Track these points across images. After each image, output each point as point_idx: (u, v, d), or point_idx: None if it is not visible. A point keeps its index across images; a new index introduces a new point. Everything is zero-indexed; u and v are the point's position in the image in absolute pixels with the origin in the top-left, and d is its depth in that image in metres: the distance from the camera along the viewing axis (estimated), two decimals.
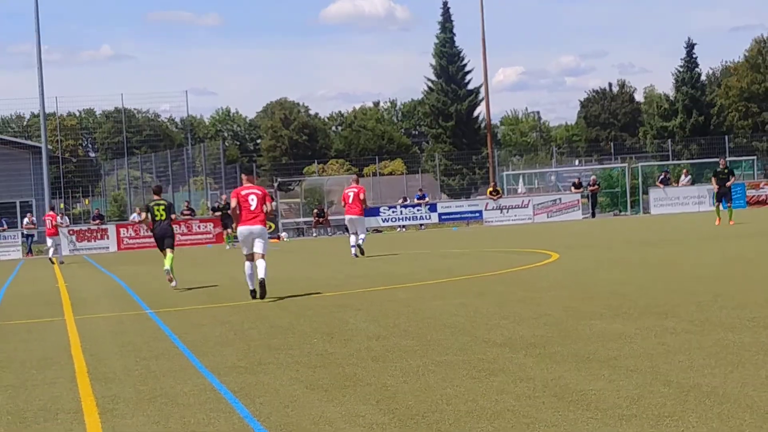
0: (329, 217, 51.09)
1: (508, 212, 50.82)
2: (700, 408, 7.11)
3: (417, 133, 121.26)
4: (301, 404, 8.09)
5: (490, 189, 54.45)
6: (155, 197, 21.41)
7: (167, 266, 20.55)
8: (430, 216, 51.20)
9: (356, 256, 27.81)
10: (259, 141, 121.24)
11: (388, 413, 7.60)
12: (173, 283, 20.41)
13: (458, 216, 51.80)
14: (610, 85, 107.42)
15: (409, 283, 18.58)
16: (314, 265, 26.50)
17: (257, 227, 17.48)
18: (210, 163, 61.78)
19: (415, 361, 9.72)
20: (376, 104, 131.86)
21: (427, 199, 52.75)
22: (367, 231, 48.34)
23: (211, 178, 60.62)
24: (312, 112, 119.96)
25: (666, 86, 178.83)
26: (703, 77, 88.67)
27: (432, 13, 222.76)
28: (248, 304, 16.25)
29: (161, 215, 20.98)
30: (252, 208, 17.57)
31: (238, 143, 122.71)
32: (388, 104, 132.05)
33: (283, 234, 48.78)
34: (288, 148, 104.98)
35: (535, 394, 7.94)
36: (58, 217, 48.75)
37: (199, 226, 47.87)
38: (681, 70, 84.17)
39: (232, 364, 10.23)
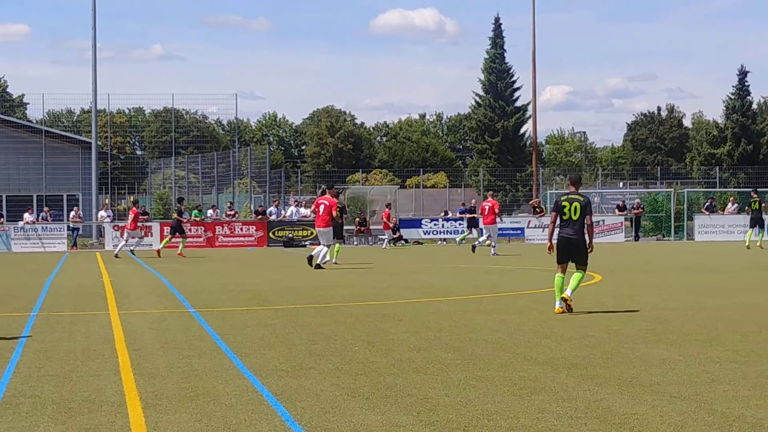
0: (371, 227, 51.07)
1: None
2: None
3: (461, 147, 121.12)
4: (342, 411, 8.12)
5: (534, 203, 54.35)
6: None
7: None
8: (471, 231, 51.03)
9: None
10: (303, 147, 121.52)
11: (429, 425, 7.61)
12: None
13: (500, 232, 51.55)
14: (659, 109, 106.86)
15: (451, 296, 18.58)
16: (356, 274, 26.51)
17: (319, 229, 27.70)
18: (255, 166, 61.97)
19: (457, 375, 9.72)
20: (422, 116, 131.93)
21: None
22: (407, 242, 48.60)
23: (256, 181, 60.83)
24: (358, 122, 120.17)
25: (715, 113, 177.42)
26: (754, 106, 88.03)
27: (482, 28, 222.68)
28: (290, 309, 16.31)
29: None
30: (320, 213, 27.51)
31: (283, 148, 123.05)
32: (434, 117, 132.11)
33: None
34: (332, 156, 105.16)
35: (577, 414, 7.92)
36: (102, 211, 49.27)
37: (241, 229, 48.01)
38: (732, 97, 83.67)
39: (273, 367, 10.28)
